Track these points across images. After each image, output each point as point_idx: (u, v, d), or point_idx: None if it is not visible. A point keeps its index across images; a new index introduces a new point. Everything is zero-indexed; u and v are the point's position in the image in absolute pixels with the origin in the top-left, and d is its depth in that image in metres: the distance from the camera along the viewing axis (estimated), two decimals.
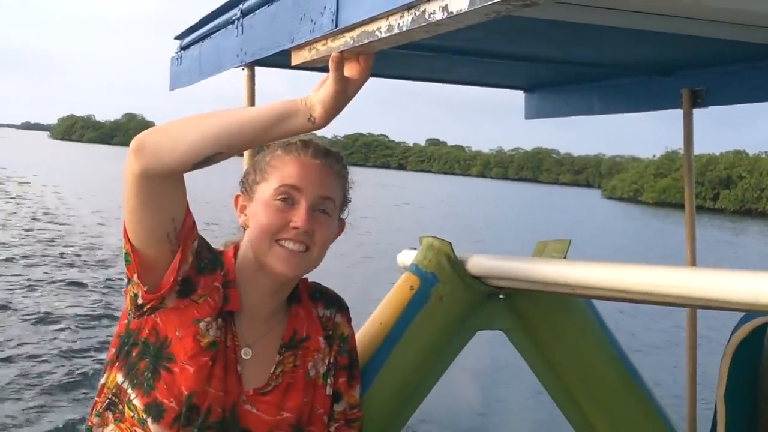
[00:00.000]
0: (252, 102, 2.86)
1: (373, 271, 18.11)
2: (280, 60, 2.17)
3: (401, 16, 1.43)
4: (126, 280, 1.99)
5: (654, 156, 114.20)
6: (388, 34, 1.49)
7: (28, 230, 21.73)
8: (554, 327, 2.81)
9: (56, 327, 11.57)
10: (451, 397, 8.97)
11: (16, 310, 12.39)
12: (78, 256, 18.22)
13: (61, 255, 18.09)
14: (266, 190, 2.05)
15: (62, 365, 9.74)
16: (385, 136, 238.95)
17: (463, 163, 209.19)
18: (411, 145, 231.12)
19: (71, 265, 17.10)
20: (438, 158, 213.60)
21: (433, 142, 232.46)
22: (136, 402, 1.96)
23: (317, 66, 1.92)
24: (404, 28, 1.43)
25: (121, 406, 2.00)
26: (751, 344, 2.79)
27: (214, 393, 1.96)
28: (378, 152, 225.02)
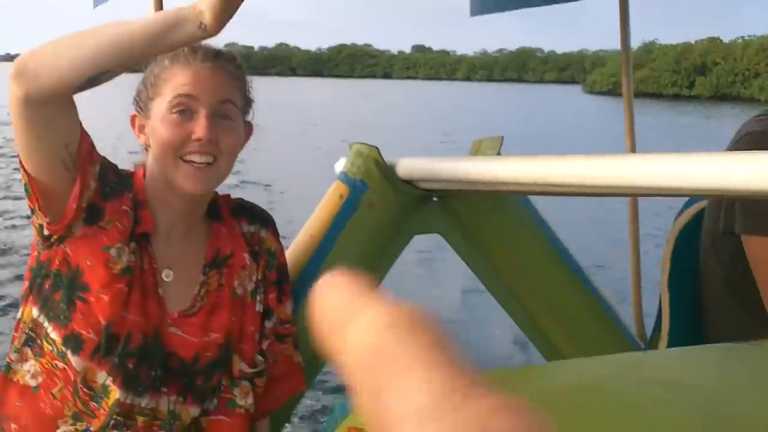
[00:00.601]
0: None
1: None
2: None
3: None
4: (30, 210, 1.86)
5: (632, 48, 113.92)
6: None
7: None
8: (491, 227, 2.72)
9: None
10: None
11: None
12: None
13: None
14: (161, 105, 1.89)
15: None
16: (369, 45, 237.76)
17: (448, 67, 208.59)
18: (396, 53, 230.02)
19: None
20: (423, 64, 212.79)
21: (419, 49, 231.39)
22: (54, 335, 1.86)
23: None
24: None
25: (39, 341, 1.90)
26: (693, 230, 2.71)
27: (133, 319, 1.86)
28: (363, 63, 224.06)
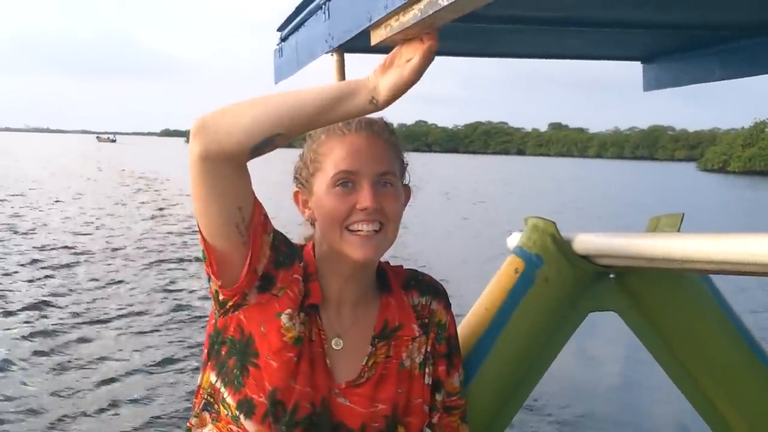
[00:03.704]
0: None
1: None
2: (364, 43, 1.98)
3: None
4: (207, 278, 1.86)
5: (742, 127, 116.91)
6: (450, 1, 1.34)
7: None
8: (670, 306, 2.54)
9: None
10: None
11: None
12: None
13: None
14: (323, 179, 1.87)
15: None
16: (505, 122, 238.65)
17: (580, 145, 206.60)
18: (530, 130, 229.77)
19: None
20: (556, 142, 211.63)
21: (555, 126, 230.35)
22: (229, 400, 1.85)
23: (395, 45, 1.74)
24: None
25: (216, 406, 1.89)
26: None
27: (300, 389, 1.82)
28: (497, 139, 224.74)
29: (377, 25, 1.75)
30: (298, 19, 2.87)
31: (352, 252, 1.83)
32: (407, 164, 2.00)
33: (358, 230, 1.83)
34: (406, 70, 1.57)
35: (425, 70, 1.58)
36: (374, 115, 1.82)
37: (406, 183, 1.99)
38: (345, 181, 1.84)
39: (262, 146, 1.65)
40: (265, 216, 1.84)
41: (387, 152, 1.89)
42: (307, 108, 1.62)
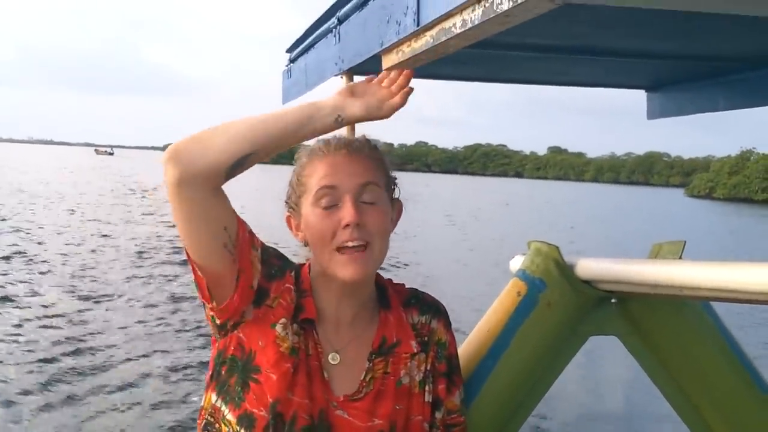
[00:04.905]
0: None
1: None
2: (375, 67, 1.98)
3: (473, 10, 1.34)
4: (202, 305, 1.88)
5: (729, 155, 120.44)
6: (463, 29, 1.38)
7: None
8: (671, 331, 2.53)
9: None
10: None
11: None
12: None
13: None
14: (308, 200, 1.89)
15: None
16: (504, 145, 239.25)
17: (577, 168, 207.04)
18: (528, 153, 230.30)
19: None
20: (554, 165, 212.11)
21: (554, 150, 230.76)
22: (230, 417, 1.85)
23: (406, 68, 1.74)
24: (476, 22, 1.33)
25: (217, 425, 1.89)
26: None
27: (298, 401, 1.83)
28: (496, 161, 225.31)
29: (389, 50, 1.76)
30: (308, 41, 2.87)
31: (340, 271, 1.84)
32: (395, 178, 1.99)
33: (345, 249, 1.83)
34: (384, 109, 1.72)
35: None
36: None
37: (396, 197, 1.99)
38: (328, 202, 1.86)
39: (236, 166, 1.69)
40: (250, 232, 1.85)
41: (368, 165, 1.91)
42: (274, 127, 1.70)
